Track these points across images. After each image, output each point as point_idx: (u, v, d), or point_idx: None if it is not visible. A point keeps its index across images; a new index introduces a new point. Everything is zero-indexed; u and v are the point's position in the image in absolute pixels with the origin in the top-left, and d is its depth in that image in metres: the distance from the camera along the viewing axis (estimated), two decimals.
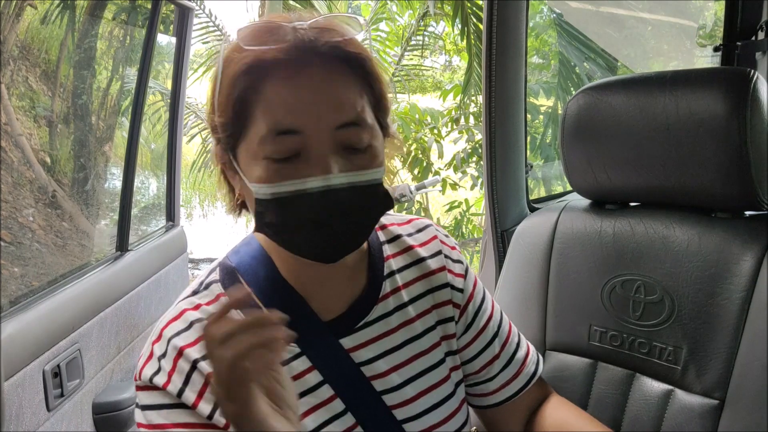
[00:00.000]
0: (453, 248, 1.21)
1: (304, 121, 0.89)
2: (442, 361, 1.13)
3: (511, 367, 1.23)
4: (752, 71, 1.32)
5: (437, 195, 7.12)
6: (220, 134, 0.95)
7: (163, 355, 0.95)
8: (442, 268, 1.16)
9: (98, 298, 2.19)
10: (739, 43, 2.28)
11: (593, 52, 5.06)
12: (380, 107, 0.99)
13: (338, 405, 1.02)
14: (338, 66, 0.92)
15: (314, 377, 1.01)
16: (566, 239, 1.55)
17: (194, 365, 0.94)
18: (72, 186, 2.83)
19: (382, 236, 1.16)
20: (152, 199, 3.45)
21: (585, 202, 1.60)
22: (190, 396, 0.93)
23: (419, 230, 1.20)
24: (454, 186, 6.49)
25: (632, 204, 1.55)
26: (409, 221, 1.20)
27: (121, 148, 2.92)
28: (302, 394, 1.00)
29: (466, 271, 1.21)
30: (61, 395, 1.91)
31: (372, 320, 1.07)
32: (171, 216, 3.14)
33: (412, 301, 1.12)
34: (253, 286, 1.03)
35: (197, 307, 0.99)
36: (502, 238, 2.08)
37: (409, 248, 1.16)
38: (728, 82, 1.33)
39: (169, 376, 0.94)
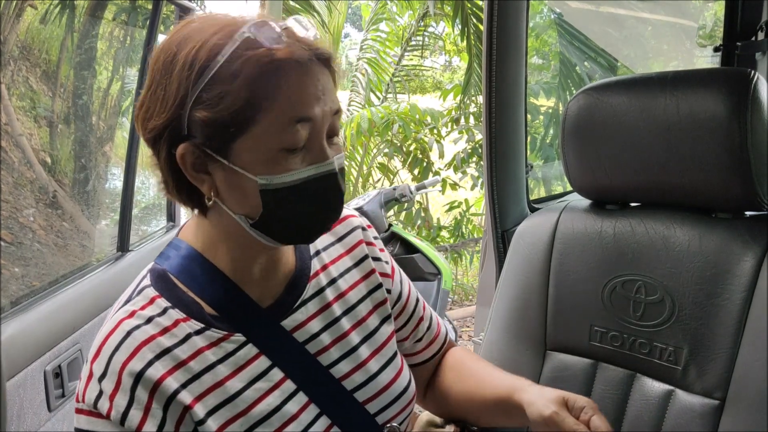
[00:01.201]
0: (369, 227, 1.29)
1: (315, 110, 0.95)
2: (378, 327, 1.21)
3: (432, 328, 1.36)
4: (752, 72, 1.32)
5: (437, 195, 7.11)
6: (209, 130, 0.93)
7: (103, 376, 0.94)
8: (360, 242, 1.24)
9: (99, 299, 2.19)
10: (739, 44, 2.28)
11: (594, 51, 5.05)
12: None
13: (290, 385, 1.05)
14: (323, 64, 0.98)
15: (263, 362, 1.04)
16: (567, 239, 1.55)
17: (138, 378, 0.93)
18: (73, 186, 2.83)
19: None
20: (153, 199, 3.45)
21: (585, 202, 1.60)
22: (134, 416, 0.92)
23: None
24: (454, 186, 6.48)
25: (633, 204, 1.55)
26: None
27: (121, 148, 2.91)
28: (254, 380, 1.02)
29: (384, 249, 1.31)
30: (63, 395, 1.90)
31: (308, 297, 1.13)
32: (172, 216, 3.14)
33: (342, 275, 1.19)
34: (189, 283, 1.04)
35: (132, 314, 0.98)
36: (502, 238, 2.09)
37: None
38: (729, 83, 1.33)
39: (111, 399, 0.92)
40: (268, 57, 0.92)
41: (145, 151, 2.78)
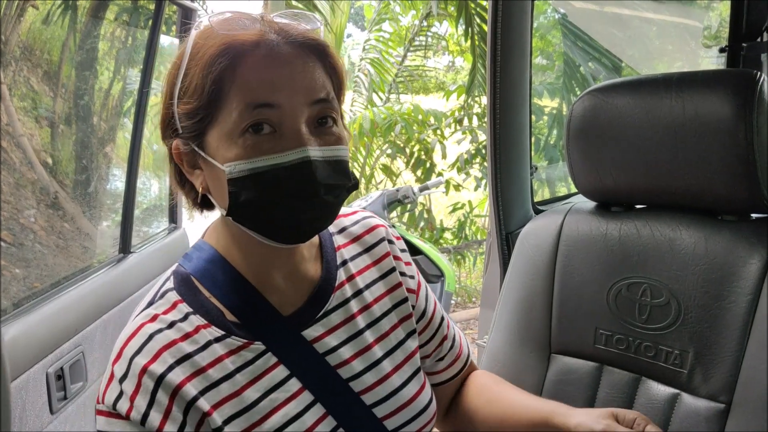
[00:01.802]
0: (398, 238, 1.27)
1: (280, 96, 0.93)
2: (402, 342, 1.18)
3: (455, 348, 1.33)
4: (758, 73, 1.32)
5: (440, 196, 7.11)
6: (186, 123, 0.96)
7: (124, 377, 0.94)
8: (387, 254, 1.22)
9: (101, 301, 2.19)
10: (744, 45, 2.28)
11: (598, 51, 5.04)
12: (339, 96, 1.03)
13: (308, 396, 1.04)
14: (306, 52, 0.97)
15: (281, 372, 1.03)
16: (572, 241, 1.54)
17: (159, 381, 0.93)
18: (74, 187, 2.82)
19: (331, 228, 1.19)
20: (154, 201, 3.44)
21: (590, 204, 1.60)
22: (155, 418, 0.92)
23: (364, 219, 1.25)
24: (458, 187, 6.48)
25: (638, 206, 1.54)
26: (353, 213, 1.25)
27: (123, 149, 2.90)
28: (271, 390, 1.01)
29: (411, 261, 1.28)
30: (65, 398, 1.90)
31: (331, 308, 1.11)
32: (173, 218, 3.14)
33: (368, 287, 1.17)
34: (212, 288, 1.04)
35: (155, 318, 0.99)
36: (507, 240, 2.08)
37: (357, 238, 1.21)
38: (734, 84, 1.32)
39: (132, 400, 0.92)
40: (224, 42, 0.92)
41: (147, 153, 2.78)
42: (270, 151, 0.93)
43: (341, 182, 0.99)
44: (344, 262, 1.17)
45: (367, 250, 1.21)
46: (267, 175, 0.93)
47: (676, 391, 1.38)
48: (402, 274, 1.23)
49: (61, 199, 2.69)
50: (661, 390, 1.40)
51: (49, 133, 2.73)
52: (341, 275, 1.15)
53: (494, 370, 1.60)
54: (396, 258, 1.23)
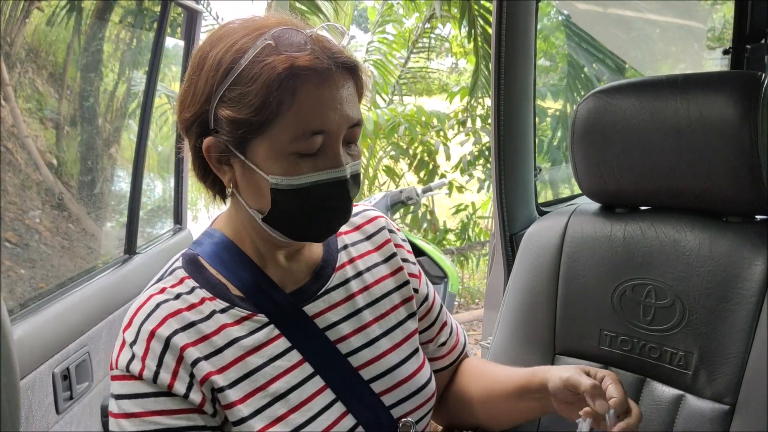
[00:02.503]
0: (398, 230, 1.34)
1: (330, 124, 1.00)
2: (402, 322, 1.25)
3: (454, 333, 1.40)
4: (763, 75, 1.32)
5: (444, 198, 7.10)
6: (231, 128, 1.00)
7: (135, 342, 1.01)
8: (388, 241, 1.29)
9: (107, 301, 2.19)
10: (748, 46, 2.28)
11: (602, 53, 5.04)
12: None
13: (308, 368, 1.10)
14: (347, 73, 1.03)
15: (283, 343, 1.09)
16: (576, 243, 1.54)
17: (167, 343, 1.00)
18: (79, 188, 2.83)
19: None
20: (159, 202, 3.45)
21: (595, 205, 1.60)
22: (165, 377, 0.99)
23: (364, 211, 1.32)
24: (461, 189, 6.47)
25: (642, 208, 1.54)
26: (354, 206, 1.29)
27: (127, 150, 2.91)
28: (274, 359, 1.08)
29: (411, 251, 1.36)
30: (71, 398, 1.91)
31: (332, 287, 1.18)
32: (178, 219, 3.14)
33: (369, 269, 1.24)
34: (218, 266, 1.11)
35: (163, 290, 1.06)
36: (511, 241, 2.08)
37: (358, 227, 1.29)
38: (739, 86, 1.33)
39: (143, 360, 0.99)
40: (286, 64, 0.96)
41: (151, 154, 2.78)
42: (313, 168, 1.01)
43: (357, 191, 1.08)
44: (345, 246, 1.24)
45: (368, 237, 1.28)
46: (308, 191, 1.01)
47: (681, 392, 1.38)
48: (404, 260, 1.30)
49: (66, 200, 2.70)
50: (665, 391, 1.40)
51: (54, 135, 2.73)
52: (342, 257, 1.22)
53: None
54: (397, 246, 1.30)
